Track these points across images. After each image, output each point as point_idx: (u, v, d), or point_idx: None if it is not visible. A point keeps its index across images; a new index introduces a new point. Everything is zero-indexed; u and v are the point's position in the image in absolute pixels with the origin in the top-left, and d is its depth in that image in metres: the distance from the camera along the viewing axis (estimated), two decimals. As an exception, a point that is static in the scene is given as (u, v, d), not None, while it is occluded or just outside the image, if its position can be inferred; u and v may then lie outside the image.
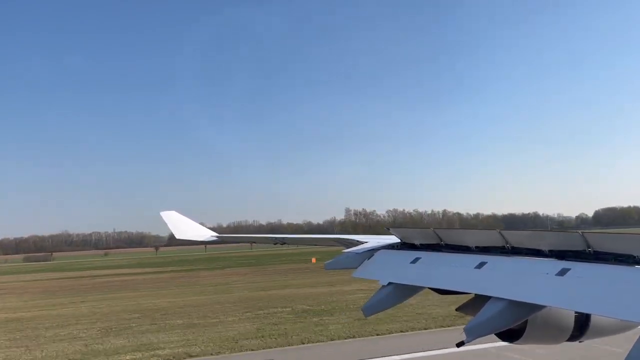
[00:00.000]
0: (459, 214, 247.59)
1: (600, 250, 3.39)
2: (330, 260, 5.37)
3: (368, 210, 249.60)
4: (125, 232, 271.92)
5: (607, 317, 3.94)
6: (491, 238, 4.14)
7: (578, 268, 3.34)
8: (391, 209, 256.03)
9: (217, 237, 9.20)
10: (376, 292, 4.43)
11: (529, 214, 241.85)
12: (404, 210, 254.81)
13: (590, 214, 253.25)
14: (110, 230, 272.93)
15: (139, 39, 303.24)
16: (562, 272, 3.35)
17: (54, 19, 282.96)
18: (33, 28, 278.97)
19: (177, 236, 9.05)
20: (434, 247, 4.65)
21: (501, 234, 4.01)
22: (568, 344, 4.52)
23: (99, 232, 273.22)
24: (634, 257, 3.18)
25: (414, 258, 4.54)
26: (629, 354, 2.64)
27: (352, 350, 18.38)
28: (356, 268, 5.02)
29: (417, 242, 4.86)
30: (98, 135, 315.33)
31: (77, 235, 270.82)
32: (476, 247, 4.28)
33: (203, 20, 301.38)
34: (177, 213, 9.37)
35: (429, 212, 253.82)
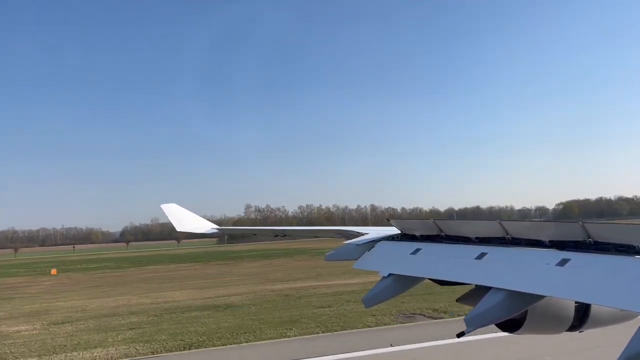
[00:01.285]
0: (391, 208, 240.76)
1: (600, 240, 3.38)
2: (331, 252, 5.37)
3: (274, 206, 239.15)
4: (75, 228, 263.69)
5: (607, 307, 3.95)
6: (491, 229, 4.13)
7: (578, 258, 3.33)
8: (304, 205, 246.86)
9: (217, 229, 9.20)
10: (377, 283, 4.43)
11: (470, 208, 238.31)
12: (320, 205, 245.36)
13: (532, 207, 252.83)
14: (58, 227, 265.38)
15: (140, 34, 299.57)
16: (562, 263, 3.34)
17: (52, 12, 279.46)
18: (31, 21, 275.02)
19: (178, 229, 9.06)
20: (434, 238, 4.64)
21: (501, 225, 4.01)
22: (568, 334, 4.53)
23: (47, 229, 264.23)
24: (634, 247, 3.18)
25: (414, 249, 4.54)
26: (629, 344, 2.65)
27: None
28: (356, 259, 5.02)
29: (417, 233, 4.85)
30: (59, 129, 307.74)
31: (23, 231, 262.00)
32: (476, 237, 4.27)
33: (206, 16, 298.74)
34: (177, 205, 9.37)
35: (354, 207, 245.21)
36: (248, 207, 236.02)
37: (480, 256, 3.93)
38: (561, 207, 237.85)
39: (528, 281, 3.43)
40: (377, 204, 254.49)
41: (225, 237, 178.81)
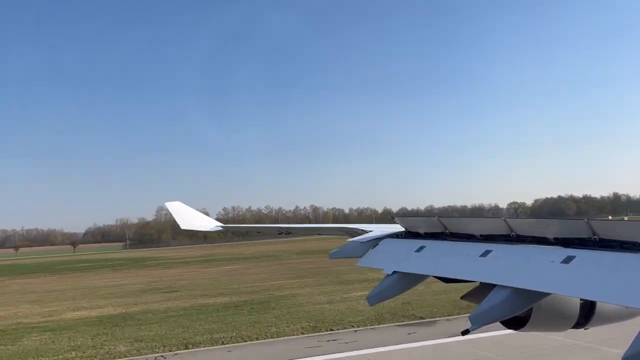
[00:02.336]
0: (335, 209, 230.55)
1: (605, 237, 3.38)
2: (335, 250, 5.38)
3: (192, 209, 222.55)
4: (36, 229, 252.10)
5: (613, 305, 3.94)
6: (496, 226, 4.13)
7: (583, 255, 3.33)
8: (229, 207, 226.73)
9: (221, 227, 9.22)
10: (381, 281, 4.43)
11: (424, 208, 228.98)
12: (250, 207, 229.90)
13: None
14: (18, 228, 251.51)
15: (142, 32, 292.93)
16: (567, 260, 3.34)
17: (51, 9, 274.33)
18: (29, 19, 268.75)
19: (182, 226, 9.09)
20: (439, 236, 4.65)
21: (506, 222, 4.01)
22: (573, 331, 4.53)
23: (6, 230, 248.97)
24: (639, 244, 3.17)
25: (418, 247, 4.54)
26: (634, 341, 2.65)
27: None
28: (361, 257, 5.03)
29: (421, 231, 4.86)
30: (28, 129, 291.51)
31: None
32: (481, 235, 4.27)
33: (207, 15, 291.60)
34: (181, 203, 9.40)
35: (292, 208, 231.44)
36: (160, 209, 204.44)
37: (485, 253, 3.93)
38: (514, 206, 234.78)
39: (533, 278, 3.43)
40: (318, 204, 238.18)
41: (128, 243, 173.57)
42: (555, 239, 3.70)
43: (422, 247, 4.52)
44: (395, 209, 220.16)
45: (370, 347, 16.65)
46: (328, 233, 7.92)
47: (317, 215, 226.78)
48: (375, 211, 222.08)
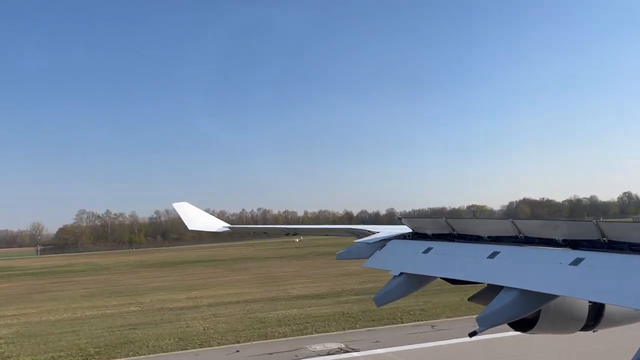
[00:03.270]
0: (287, 212, 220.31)
1: (614, 239, 3.36)
2: (342, 251, 5.39)
3: (116, 212, 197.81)
4: (5, 230, 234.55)
5: (622, 307, 3.92)
6: (504, 227, 4.12)
7: (592, 257, 3.31)
8: (161, 210, 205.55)
9: (228, 227, 9.24)
10: (388, 282, 4.44)
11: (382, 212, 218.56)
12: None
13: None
14: None
15: (146, 31, 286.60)
16: (576, 262, 3.33)
17: (55, 7, 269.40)
18: (32, 17, 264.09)
19: (190, 227, 9.11)
20: (446, 237, 4.64)
21: (514, 224, 4.00)
22: (581, 334, 4.50)
23: None
24: None
25: (425, 248, 4.54)
26: None
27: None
28: (368, 258, 5.04)
29: (429, 232, 4.86)
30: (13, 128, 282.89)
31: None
32: (488, 236, 4.26)
33: (212, 16, 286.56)
34: (189, 204, 9.43)
35: (237, 211, 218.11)
36: (81, 212, 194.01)
37: (493, 255, 3.92)
38: (473, 209, 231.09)
39: (541, 280, 3.41)
40: (268, 207, 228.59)
41: (39, 248, 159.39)
42: (563, 240, 3.69)
43: (429, 249, 4.52)
44: (356, 212, 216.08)
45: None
46: (335, 234, 7.93)
47: (265, 218, 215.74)
48: (336, 214, 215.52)
